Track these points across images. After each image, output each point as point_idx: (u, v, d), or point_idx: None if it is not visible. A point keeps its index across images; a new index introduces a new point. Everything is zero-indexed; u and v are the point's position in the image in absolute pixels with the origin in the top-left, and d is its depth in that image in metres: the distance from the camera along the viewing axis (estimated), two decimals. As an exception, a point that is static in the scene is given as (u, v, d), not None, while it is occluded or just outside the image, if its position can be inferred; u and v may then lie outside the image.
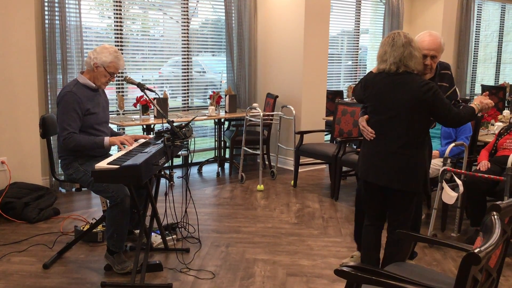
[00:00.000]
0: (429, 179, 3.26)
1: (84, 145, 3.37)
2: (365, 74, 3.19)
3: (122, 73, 5.80)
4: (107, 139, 3.44)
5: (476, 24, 8.97)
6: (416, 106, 2.81)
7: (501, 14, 9.59)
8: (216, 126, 6.51)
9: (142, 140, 3.63)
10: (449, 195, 3.76)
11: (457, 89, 4.47)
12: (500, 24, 9.64)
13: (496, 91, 8.18)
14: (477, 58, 9.22)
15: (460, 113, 2.85)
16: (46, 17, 5.04)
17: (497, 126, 5.16)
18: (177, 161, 6.59)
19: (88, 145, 3.39)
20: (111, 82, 3.64)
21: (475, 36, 8.99)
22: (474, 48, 9.00)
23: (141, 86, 3.51)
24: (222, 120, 6.46)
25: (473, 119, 2.91)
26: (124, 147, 3.41)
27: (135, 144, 3.56)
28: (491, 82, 9.73)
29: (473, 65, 9.01)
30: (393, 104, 2.86)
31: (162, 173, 3.57)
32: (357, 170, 3.14)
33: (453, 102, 3.26)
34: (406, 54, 2.82)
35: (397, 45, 2.83)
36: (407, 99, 2.81)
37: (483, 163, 4.22)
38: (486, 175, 3.79)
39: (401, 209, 3.01)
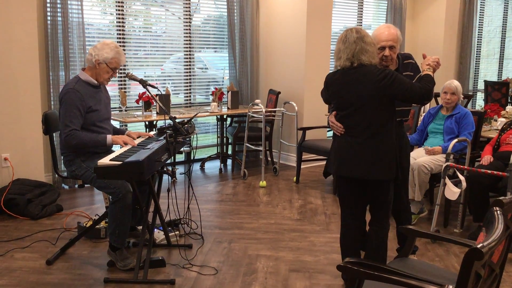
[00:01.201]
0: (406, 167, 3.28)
1: (86, 142, 3.37)
2: None
3: (124, 69, 5.80)
4: (109, 138, 3.44)
5: (479, 19, 8.93)
6: (377, 95, 2.85)
7: (504, 10, 9.55)
8: (219, 122, 6.51)
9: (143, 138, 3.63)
10: (452, 191, 3.76)
11: (454, 82, 4.50)
12: (503, 19, 9.60)
13: (499, 87, 8.15)
14: (480, 54, 9.19)
15: (423, 86, 2.89)
16: (48, 13, 5.04)
17: (500, 121, 5.15)
18: (180, 157, 6.59)
19: (90, 143, 3.39)
20: (113, 78, 3.65)
21: (478, 32, 8.96)
22: (477, 44, 8.97)
23: (143, 83, 3.51)
24: (225, 116, 6.46)
25: (434, 84, 2.98)
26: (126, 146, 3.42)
27: (138, 140, 3.57)
28: (494, 78, 9.70)
29: (476, 61, 8.98)
30: (354, 97, 2.91)
31: (165, 169, 3.57)
32: (330, 167, 3.15)
33: None
34: (358, 49, 2.87)
35: (349, 42, 2.89)
36: (367, 90, 2.86)
37: (486, 158, 4.22)
38: (489, 171, 3.79)
39: (380, 198, 3.04)
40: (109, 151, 3.56)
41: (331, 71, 3.13)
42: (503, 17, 9.60)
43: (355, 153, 2.95)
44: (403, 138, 3.32)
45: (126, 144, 3.42)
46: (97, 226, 3.88)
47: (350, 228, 3.14)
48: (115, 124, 4.26)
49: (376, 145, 2.91)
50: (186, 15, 6.27)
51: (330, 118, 3.09)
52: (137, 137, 3.67)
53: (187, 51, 6.36)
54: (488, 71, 9.68)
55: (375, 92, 2.85)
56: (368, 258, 3.08)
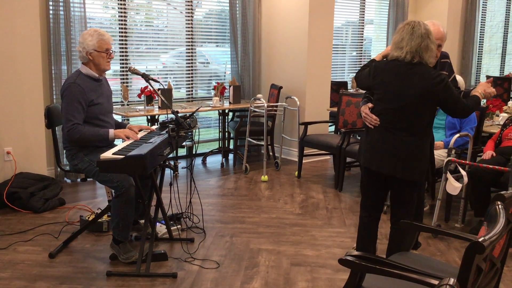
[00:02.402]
0: (432, 168, 3.26)
1: (88, 137, 3.38)
2: (368, 61, 3.18)
3: (126, 64, 5.80)
4: (112, 132, 3.44)
5: (482, 14, 8.91)
6: (426, 97, 2.81)
7: (506, 5, 9.52)
8: (220, 117, 6.51)
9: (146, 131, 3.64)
10: (454, 186, 3.76)
11: (456, 76, 4.47)
12: (506, 14, 9.57)
13: (501, 82, 8.13)
14: (482, 49, 9.16)
15: (468, 105, 2.87)
16: (51, 7, 5.04)
17: (502, 117, 5.15)
18: (182, 151, 6.60)
19: (92, 137, 3.40)
20: (116, 72, 3.64)
21: (480, 27, 8.93)
22: (479, 39, 8.95)
23: (145, 77, 3.52)
24: (226, 111, 6.46)
25: (478, 108, 2.95)
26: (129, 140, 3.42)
27: (140, 134, 3.58)
28: (496, 73, 9.68)
29: (478, 56, 8.96)
30: (404, 93, 2.84)
31: (167, 163, 3.58)
32: (360, 158, 3.12)
33: None
34: (423, 45, 2.80)
35: (416, 35, 2.79)
36: (418, 89, 2.80)
37: (488, 153, 4.23)
38: (490, 166, 3.79)
39: (405, 199, 3.02)
40: (111, 145, 3.57)
41: (373, 59, 3.06)
42: (506, 12, 9.57)
43: (390, 149, 2.90)
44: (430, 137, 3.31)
45: (128, 137, 3.43)
46: (99, 220, 3.90)
47: (369, 219, 3.17)
48: (117, 118, 4.27)
49: (414, 144, 2.88)
50: (188, 9, 6.26)
51: (364, 109, 3.02)
52: (139, 131, 3.67)
53: (189, 45, 6.36)
54: (490, 66, 9.66)
55: (426, 94, 2.80)
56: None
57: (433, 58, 2.87)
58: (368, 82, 3.04)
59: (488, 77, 8.30)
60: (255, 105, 5.84)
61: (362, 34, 7.86)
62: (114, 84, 5.80)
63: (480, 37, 8.96)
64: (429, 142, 2.97)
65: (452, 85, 2.86)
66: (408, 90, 2.83)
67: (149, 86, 3.81)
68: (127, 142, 3.35)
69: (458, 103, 2.84)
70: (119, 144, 3.36)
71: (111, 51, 3.53)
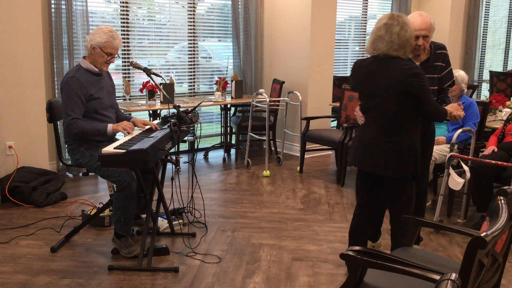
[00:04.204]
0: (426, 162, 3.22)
1: (87, 131, 3.37)
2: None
3: (128, 58, 5.79)
4: (110, 127, 3.43)
5: (485, 9, 8.86)
6: (399, 90, 2.73)
7: (510, 0, 9.47)
8: (222, 111, 6.50)
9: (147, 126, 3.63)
10: (456, 181, 3.75)
11: (459, 71, 4.42)
12: (510, 9, 9.52)
13: (504, 77, 8.10)
14: (485, 44, 9.12)
15: (441, 111, 2.84)
16: (52, 1, 5.03)
17: (505, 112, 5.13)
18: (184, 146, 6.60)
19: (91, 132, 3.39)
20: (118, 67, 3.64)
21: (484, 22, 8.89)
22: (483, 34, 8.90)
23: (147, 71, 3.51)
24: (228, 105, 6.45)
25: (441, 120, 2.96)
26: (128, 133, 3.41)
27: (137, 131, 3.57)
28: (499, 68, 9.64)
29: (481, 51, 8.92)
30: (378, 89, 2.80)
31: (169, 158, 3.58)
32: (349, 157, 3.10)
33: (450, 83, 3.25)
34: (399, 41, 2.75)
35: (392, 32, 2.75)
36: (391, 83, 2.74)
37: (489, 148, 4.21)
38: (493, 161, 3.78)
39: (396, 196, 2.98)
40: (113, 139, 3.57)
41: (359, 58, 3.07)
42: (509, 7, 9.52)
43: (366, 146, 2.90)
44: (429, 129, 3.26)
45: (125, 130, 3.41)
46: (101, 214, 3.90)
47: (359, 218, 3.14)
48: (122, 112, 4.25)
49: (394, 141, 2.82)
50: (190, 4, 6.24)
51: (356, 108, 3.05)
52: (142, 124, 3.66)
53: (191, 40, 6.34)
54: (493, 62, 9.62)
55: (398, 86, 2.73)
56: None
57: (413, 51, 2.86)
58: (351, 82, 3.04)
59: (492, 75, 8.27)
60: (257, 100, 5.83)
61: (365, 29, 7.83)
62: (116, 79, 5.79)
63: (483, 32, 8.91)
64: (415, 137, 2.86)
65: (427, 83, 2.75)
66: (382, 86, 2.78)
67: (151, 81, 3.79)
68: (129, 137, 3.34)
69: (431, 103, 2.76)
70: (121, 139, 3.36)
71: (114, 56, 3.52)
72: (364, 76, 2.87)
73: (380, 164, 2.86)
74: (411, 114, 2.82)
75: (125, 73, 5.85)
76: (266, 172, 5.54)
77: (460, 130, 4.07)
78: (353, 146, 3.03)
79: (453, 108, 2.98)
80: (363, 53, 7.97)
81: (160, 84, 5.44)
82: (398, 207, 2.98)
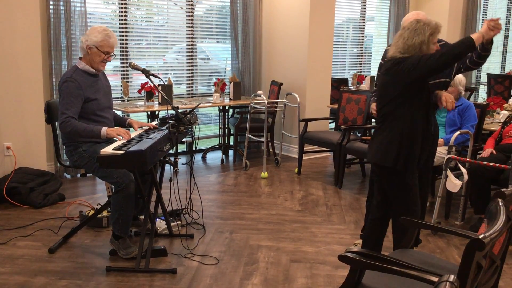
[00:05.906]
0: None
1: (80, 132, 3.34)
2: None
3: (126, 59, 5.79)
4: (104, 130, 3.37)
5: (483, 11, 8.89)
6: (390, 78, 2.88)
7: (508, 2, 9.50)
8: (221, 113, 6.50)
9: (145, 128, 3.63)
10: (454, 183, 3.76)
11: (457, 75, 4.41)
12: (507, 12, 9.55)
13: (502, 80, 8.13)
14: (483, 47, 9.13)
15: (452, 47, 2.70)
16: (51, 2, 5.03)
17: (503, 114, 5.14)
18: (182, 147, 6.60)
19: (84, 132, 3.35)
20: (116, 68, 3.63)
21: (482, 24, 8.91)
22: (481, 36, 8.91)
23: (146, 72, 3.51)
24: (227, 107, 6.45)
25: (465, 50, 2.66)
26: (121, 138, 3.37)
27: (139, 131, 3.56)
28: (497, 71, 9.67)
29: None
30: (379, 85, 3.01)
31: (167, 159, 3.57)
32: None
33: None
34: (417, 43, 2.84)
35: (417, 33, 2.83)
36: (384, 78, 2.93)
37: (487, 150, 4.22)
38: (490, 164, 3.79)
39: (385, 188, 3.05)
40: (111, 140, 3.56)
41: (357, 60, 3.24)
42: (507, 9, 9.55)
43: (372, 138, 3.07)
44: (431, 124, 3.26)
45: (118, 135, 3.39)
46: (99, 215, 3.89)
47: (369, 215, 3.23)
48: (118, 113, 4.25)
49: (381, 131, 2.96)
50: (189, 5, 6.24)
51: (372, 106, 3.28)
52: (138, 128, 3.65)
53: (189, 41, 6.35)
54: (491, 64, 9.64)
55: (387, 77, 2.89)
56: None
57: (428, 49, 2.85)
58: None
59: (489, 78, 8.28)
60: (255, 101, 5.84)
61: (363, 31, 7.85)
62: (114, 80, 5.79)
63: (481, 34, 8.92)
64: (399, 128, 2.88)
65: (415, 57, 2.77)
66: (381, 80, 2.98)
67: (149, 82, 3.80)
68: (124, 140, 3.32)
69: (420, 60, 2.73)
70: (119, 140, 3.35)
71: (111, 55, 3.51)
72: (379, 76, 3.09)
73: (371, 152, 3.01)
74: (398, 101, 2.87)
75: (123, 74, 5.85)
76: (264, 174, 5.55)
77: (457, 133, 4.08)
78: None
79: (448, 97, 3.02)
80: (361, 55, 7.98)
81: (159, 85, 5.44)
82: (392, 200, 3.04)
